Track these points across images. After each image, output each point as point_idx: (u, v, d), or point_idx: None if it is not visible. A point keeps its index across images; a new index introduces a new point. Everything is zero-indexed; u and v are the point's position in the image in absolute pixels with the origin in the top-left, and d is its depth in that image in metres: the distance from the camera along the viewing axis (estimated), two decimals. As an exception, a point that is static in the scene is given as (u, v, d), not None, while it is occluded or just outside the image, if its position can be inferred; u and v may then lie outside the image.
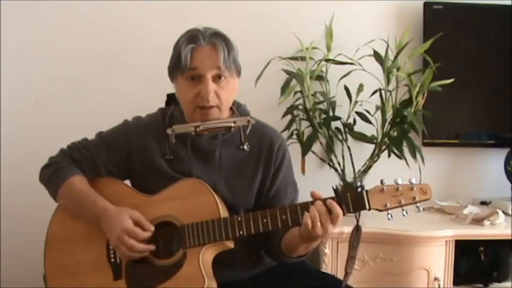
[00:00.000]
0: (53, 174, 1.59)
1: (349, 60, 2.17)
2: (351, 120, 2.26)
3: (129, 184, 1.64)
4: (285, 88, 2.19)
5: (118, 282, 1.52)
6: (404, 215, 1.40)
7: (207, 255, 1.49)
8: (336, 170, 2.24)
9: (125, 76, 2.36)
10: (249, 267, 1.64)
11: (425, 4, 2.30)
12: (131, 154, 1.60)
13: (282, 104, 2.20)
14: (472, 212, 2.11)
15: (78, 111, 2.35)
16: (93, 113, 2.32)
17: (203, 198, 1.50)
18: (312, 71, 2.22)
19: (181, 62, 1.51)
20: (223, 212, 1.50)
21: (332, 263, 2.04)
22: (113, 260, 1.53)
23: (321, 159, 2.30)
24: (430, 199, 1.43)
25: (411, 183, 1.41)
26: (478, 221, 2.07)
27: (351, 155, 2.24)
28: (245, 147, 1.60)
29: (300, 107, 2.23)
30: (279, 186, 1.61)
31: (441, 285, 2.01)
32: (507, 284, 2.11)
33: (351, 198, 1.41)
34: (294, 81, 2.21)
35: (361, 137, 2.23)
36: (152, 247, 1.49)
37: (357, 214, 1.43)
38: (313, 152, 2.25)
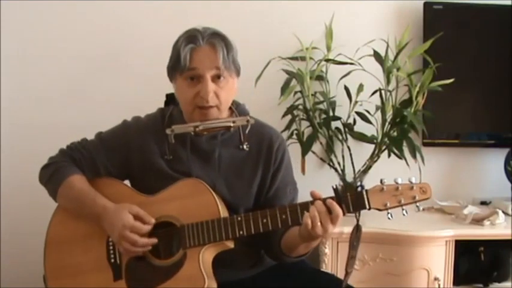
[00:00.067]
0: (52, 174, 1.59)
1: (349, 60, 2.17)
2: (351, 120, 2.26)
3: (129, 184, 1.64)
4: (285, 88, 2.19)
5: (118, 282, 1.52)
6: (404, 215, 1.40)
7: (207, 255, 1.49)
8: (336, 170, 2.24)
9: (125, 76, 2.36)
10: (249, 267, 1.64)
11: (425, 4, 2.30)
12: (130, 154, 1.60)
13: (282, 104, 2.20)
14: (472, 212, 2.11)
15: (78, 111, 2.35)
16: (93, 113, 2.32)
17: (203, 198, 1.49)
18: (312, 71, 2.22)
19: (181, 62, 1.51)
20: (223, 212, 1.50)
21: (332, 263, 2.04)
22: (113, 260, 1.53)
23: (321, 159, 2.30)
24: (430, 199, 1.43)
25: (411, 182, 1.41)
26: (478, 221, 2.07)
27: (351, 155, 2.24)
28: (244, 147, 1.60)
29: (300, 107, 2.23)
30: (279, 185, 1.61)
31: (441, 285, 2.01)
32: (507, 284, 2.11)
33: (351, 197, 1.41)
34: (294, 81, 2.21)
35: (361, 137, 2.23)
36: (155, 240, 1.49)
37: (357, 214, 1.43)
38: (313, 152, 2.25)
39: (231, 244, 1.51)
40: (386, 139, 2.15)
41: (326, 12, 2.27)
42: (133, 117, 1.67)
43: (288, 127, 2.22)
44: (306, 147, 2.17)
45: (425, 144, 2.28)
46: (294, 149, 2.11)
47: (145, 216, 1.49)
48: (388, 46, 2.14)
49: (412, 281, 2.01)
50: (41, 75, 2.36)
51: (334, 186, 1.42)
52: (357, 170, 2.21)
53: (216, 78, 1.53)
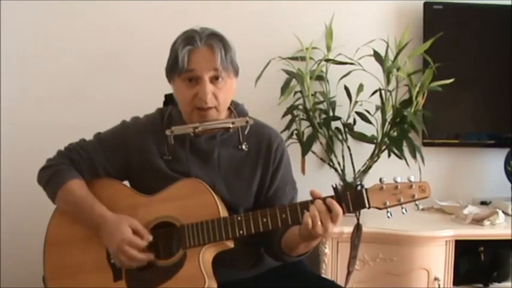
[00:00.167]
0: (51, 178, 1.59)
1: (349, 60, 2.17)
2: (351, 120, 2.26)
3: (128, 185, 1.63)
4: (285, 88, 2.19)
5: (118, 282, 1.52)
6: (403, 213, 1.41)
7: (207, 255, 1.49)
8: (336, 170, 2.24)
9: (125, 76, 2.36)
10: (249, 267, 1.64)
11: (425, 4, 2.30)
12: (129, 154, 1.60)
13: (282, 104, 2.19)
14: (472, 212, 2.11)
15: (78, 111, 2.35)
16: (93, 113, 2.32)
17: (203, 198, 1.49)
18: (312, 71, 2.22)
19: (179, 64, 1.51)
20: (223, 212, 1.50)
21: (332, 263, 2.03)
22: (112, 260, 1.53)
23: (321, 159, 2.30)
24: (430, 198, 1.43)
25: (410, 181, 1.41)
26: (478, 221, 2.07)
27: (351, 155, 2.24)
28: (244, 147, 1.60)
29: (300, 107, 2.23)
30: (278, 185, 1.61)
31: (441, 285, 2.01)
32: (507, 284, 2.11)
33: (351, 196, 1.41)
34: (294, 81, 2.21)
35: (361, 137, 2.23)
36: (151, 256, 1.49)
37: (357, 213, 1.43)
38: (313, 152, 2.25)
39: (231, 244, 1.50)
40: (386, 139, 2.15)
41: (326, 12, 2.27)
42: (132, 117, 1.67)
43: (288, 127, 2.21)
44: (306, 147, 2.17)
45: (425, 144, 2.28)
46: (294, 149, 2.11)
47: (143, 232, 1.49)
48: (388, 46, 2.14)
49: (412, 281, 2.01)
50: (41, 75, 2.36)
51: (334, 185, 1.42)
52: (357, 170, 2.21)
53: (214, 79, 1.52)
